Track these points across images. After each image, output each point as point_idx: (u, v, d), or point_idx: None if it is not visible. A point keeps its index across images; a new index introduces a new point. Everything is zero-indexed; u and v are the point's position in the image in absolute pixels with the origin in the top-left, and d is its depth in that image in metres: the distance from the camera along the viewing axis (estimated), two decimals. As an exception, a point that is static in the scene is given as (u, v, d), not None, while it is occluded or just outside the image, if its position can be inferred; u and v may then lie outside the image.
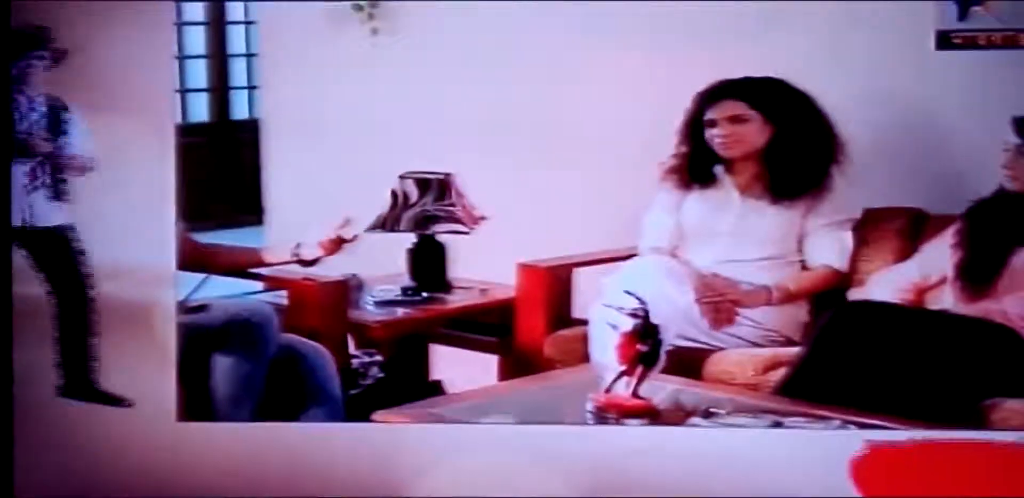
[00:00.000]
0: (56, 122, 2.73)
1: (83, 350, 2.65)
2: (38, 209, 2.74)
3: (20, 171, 2.73)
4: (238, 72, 4.63)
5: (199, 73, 4.49)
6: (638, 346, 2.56)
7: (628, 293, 2.61)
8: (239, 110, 4.65)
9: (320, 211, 3.73)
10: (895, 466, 2.40)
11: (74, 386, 2.64)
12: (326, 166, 3.68)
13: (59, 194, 2.74)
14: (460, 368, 3.21)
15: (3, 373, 2.61)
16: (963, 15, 2.60)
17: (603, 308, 2.74)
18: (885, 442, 2.41)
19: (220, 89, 4.62)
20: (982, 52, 2.64)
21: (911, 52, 2.83)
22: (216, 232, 3.45)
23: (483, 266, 3.32)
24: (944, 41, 2.62)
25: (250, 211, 3.93)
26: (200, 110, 4.55)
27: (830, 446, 2.44)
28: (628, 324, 2.57)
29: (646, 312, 2.57)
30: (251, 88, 4.63)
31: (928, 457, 2.42)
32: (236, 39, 4.56)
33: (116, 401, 2.62)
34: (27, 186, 2.73)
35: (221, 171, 4.35)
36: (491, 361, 3.23)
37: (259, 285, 3.18)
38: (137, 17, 2.64)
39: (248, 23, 4.43)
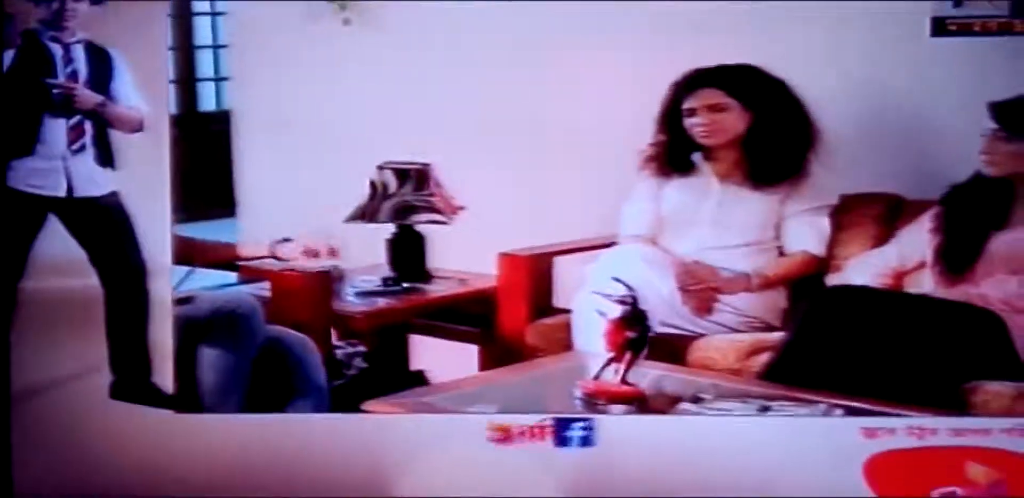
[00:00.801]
0: (100, 72, 2.41)
1: (137, 345, 2.41)
2: (82, 175, 2.43)
3: (59, 130, 2.43)
4: (205, 63, 4.59)
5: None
6: (627, 333, 2.58)
7: (616, 280, 2.63)
8: (206, 102, 4.62)
9: (293, 203, 3.72)
10: (907, 468, 2.42)
11: (127, 387, 2.45)
12: (299, 158, 3.66)
13: (106, 157, 2.44)
14: (440, 358, 3.21)
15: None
16: (958, 2, 2.63)
17: (590, 296, 2.76)
18: (897, 449, 2.42)
19: (187, 81, 4.58)
20: (963, 39, 2.67)
21: (894, 40, 2.86)
22: (186, 225, 3.43)
23: (461, 256, 3.32)
24: (939, 28, 2.65)
25: (220, 204, 3.91)
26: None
27: (823, 433, 2.45)
28: (616, 311, 2.59)
29: (634, 299, 2.59)
30: (218, 79, 4.60)
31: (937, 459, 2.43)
32: (202, 30, 4.53)
33: (174, 402, 2.44)
34: (69, 147, 2.42)
35: (190, 163, 4.31)
36: (472, 351, 3.23)
37: (233, 276, 3.17)
38: (132, 6, 2.58)
39: (215, 14, 4.40)
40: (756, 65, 2.97)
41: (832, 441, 2.42)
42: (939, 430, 2.42)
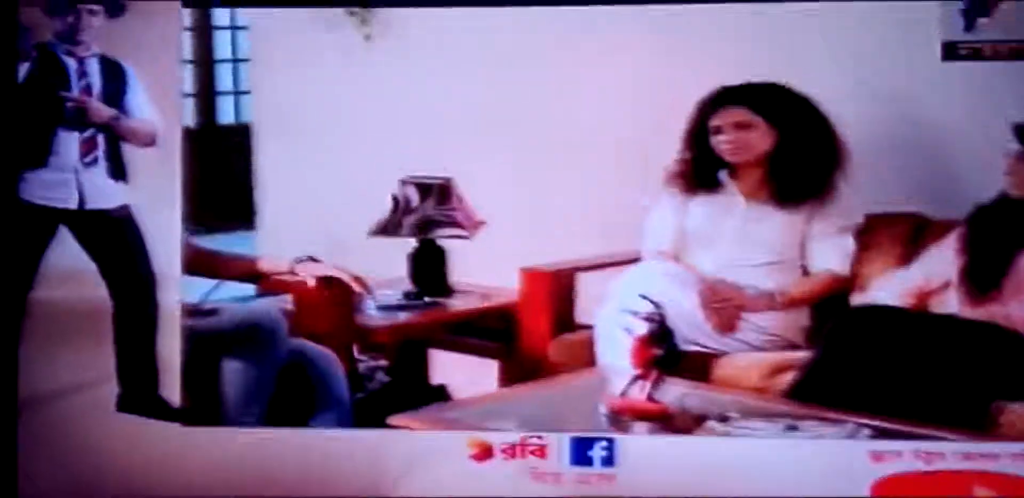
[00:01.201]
0: (114, 86, 2.44)
1: (145, 357, 2.42)
2: (94, 187, 2.45)
3: (72, 143, 2.45)
4: (224, 77, 4.60)
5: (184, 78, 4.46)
6: (653, 350, 2.57)
7: (643, 297, 2.62)
8: (224, 115, 4.63)
9: (312, 216, 3.73)
10: (915, 492, 2.41)
11: (134, 399, 2.45)
12: (318, 171, 3.66)
13: (118, 170, 2.46)
14: (460, 373, 3.20)
15: (7, 374, 2.53)
16: (969, 26, 2.63)
17: (614, 312, 2.75)
18: (905, 472, 2.41)
19: (206, 94, 4.59)
20: (986, 61, 2.68)
21: (916, 61, 2.86)
22: (205, 237, 3.42)
23: (482, 271, 3.32)
24: (950, 52, 2.65)
25: (237, 217, 3.91)
26: (185, 115, 4.51)
27: (832, 456, 2.44)
28: (643, 328, 2.58)
29: (661, 316, 2.58)
30: (237, 93, 4.61)
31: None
32: (222, 44, 4.54)
33: (181, 415, 2.44)
34: (81, 160, 2.45)
35: (208, 176, 4.32)
36: (492, 366, 3.23)
37: (251, 289, 3.17)
38: (146, 21, 2.60)
39: (234, 28, 4.41)
40: (782, 83, 2.97)
41: (840, 464, 2.42)
42: (947, 454, 2.41)
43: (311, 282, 2.91)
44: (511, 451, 2.43)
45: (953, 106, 2.98)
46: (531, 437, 2.43)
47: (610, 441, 2.42)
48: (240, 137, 3.99)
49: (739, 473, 2.41)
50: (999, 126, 2.80)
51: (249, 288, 3.16)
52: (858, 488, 2.40)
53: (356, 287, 2.89)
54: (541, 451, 2.43)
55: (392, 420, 2.54)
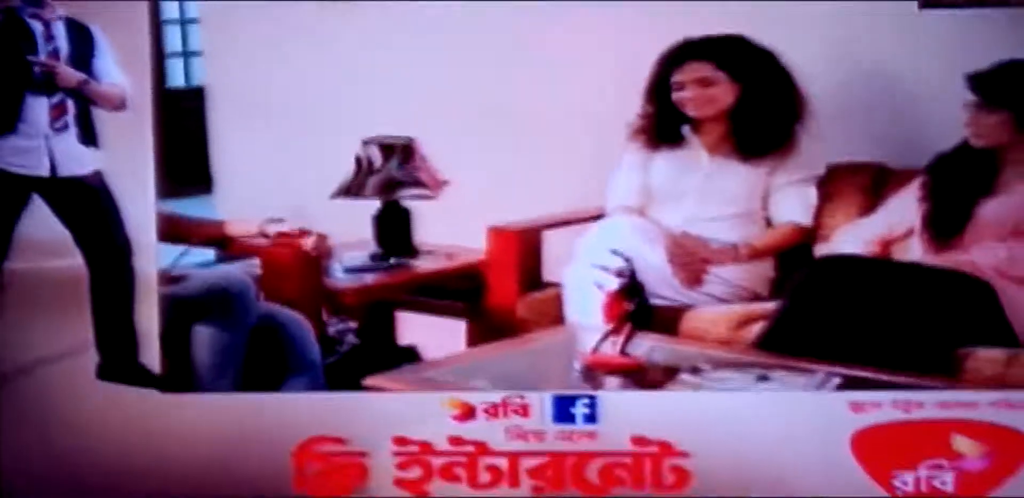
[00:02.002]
0: (82, 50, 2.39)
1: (123, 325, 2.39)
2: (65, 154, 2.41)
3: (41, 108, 2.40)
4: (172, 39, 4.53)
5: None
6: (624, 305, 2.58)
7: (614, 252, 2.63)
8: (176, 78, 4.56)
9: (270, 180, 3.70)
10: (894, 441, 2.43)
11: (114, 367, 2.43)
12: (276, 134, 3.63)
13: (89, 136, 2.41)
14: (428, 334, 3.21)
15: None
16: None
17: (582, 268, 2.76)
18: (884, 422, 2.43)
19: (156, 57, 4.52)
20: (949, 10, 2.69)
21: (881, 10, 2.87)
22: (162, 202, 3.39)
23: (446, 231, 3.31)
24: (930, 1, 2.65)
25: (194, 182, 3.87)
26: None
27: (811, 407, 2.46)
28: (614, 283, 2.59)
29: (632, 271, 2.59)
30: (187, 55, 4.55)
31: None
32: (169, 7, 4.47)
33: (161, 382, 2.43)
34: (51, 126, 2.40)
35: (163, 140, 4.26)
36: (458, 326, 3.23)
37: (211, 253, 3.15)
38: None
39: (181, -10, 4.34)
40: (744, 36, 2.97)
41: (820, 415, 2.43)
42: (925, 403, 2.42)
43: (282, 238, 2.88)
44: (493, 410, 2.44)
45: (915, 54, 3.00)
46: (513, 396, 2.44)
47: (592, 398, 2.44)
48: (191, 100, 3.94)
49: (720, 427, 2.42)
50: (960, 74, 2.81)
51: (199, 253, 3.13)
52: (838, 438, 2.41)
53: (309, 244, 2.87)
54: (523, 410, 2.44)
55: (368, 381, 2.54)
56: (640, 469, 2.42)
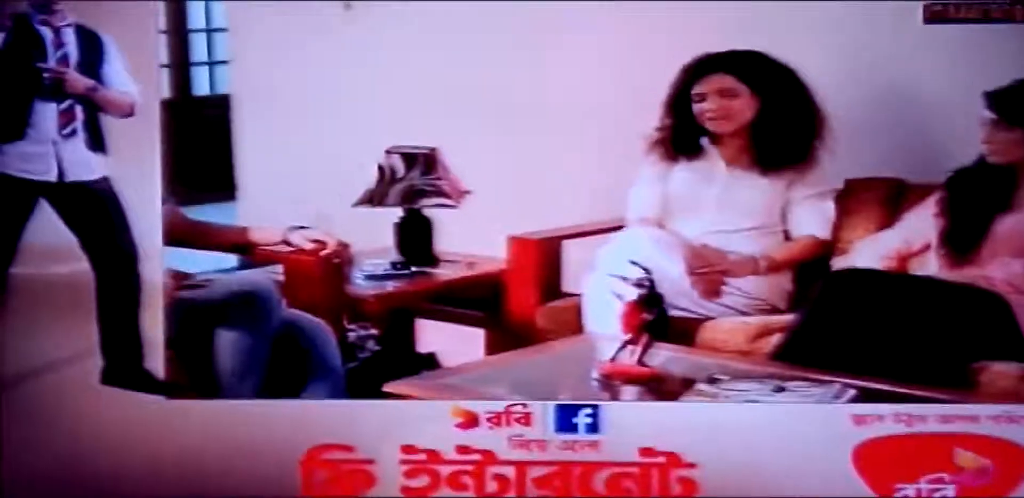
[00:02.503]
0: (91, 56, 2.40)
1: (129, 331, 2.41)
2: (73, 160, 2.42)
3: (49, 114, 2.41)
4: (199, 47, 4.59)
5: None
6: (643, 315, 2.61)
7: (633, 263, 2.66)
8: (200, 86, 4.62)
9: (294, 187, 3.73)
10: (896, 455, 2.43)
11: (119, 372, 2.44)
12: (300, 142, 3.67)
13: (97, 142, 2.41)
14: (446, 342, 3.24)
15: None
16: None
17: (605, 278, 2.79)
18: (886, 435, 2.43)
19: (181, 65, 4.58)
20: (965, 26, 2.70)
21: (896, 25, 2.90)
22: (184, 209, 3.43)
23: (468, 240, 3.35)
24: (933, 15, 2.67)
25: (217, 188, 3.91)
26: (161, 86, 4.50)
27: (813, 419, 2.46)
28: (633, 293, 2.62)
29: (651, 281, 2.62)
30: (212, 64, 4.60)
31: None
32: (196, 14, 4.52)
33: (166, 388, 2.43)
34: (59, 132, 2.41)
35: (185, 147, 4.33)
36: (477, 335, 3.26)
37: (233, 260, 3.18)
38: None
39: (207, -1, 4.40)
40: (764, 52, 3.01)
41: (822, 427, 2.43)
42: (928, 417, 2.43)
43: (308, 246, 2.92)
44: (496, 419, 2.46)
45: (932, 70, 3.02)
46: (516, 405, 2.46)
47: (595, 408, 2.45)
48: (216, 108, 3.99)
49: (722, 438, 2.43)
50: (977, 90, 2.83)
51: (231, 260, 3.17)
52: (840, 451, 2.42)
53: (330, 249, 2.89)
54: (526, 418, 2.45)
55: (388, 387, 2.57)
56: (647, 480, 2.43)
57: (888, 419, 2.43)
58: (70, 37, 2.43)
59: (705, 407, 2.50)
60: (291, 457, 2.47)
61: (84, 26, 2.42)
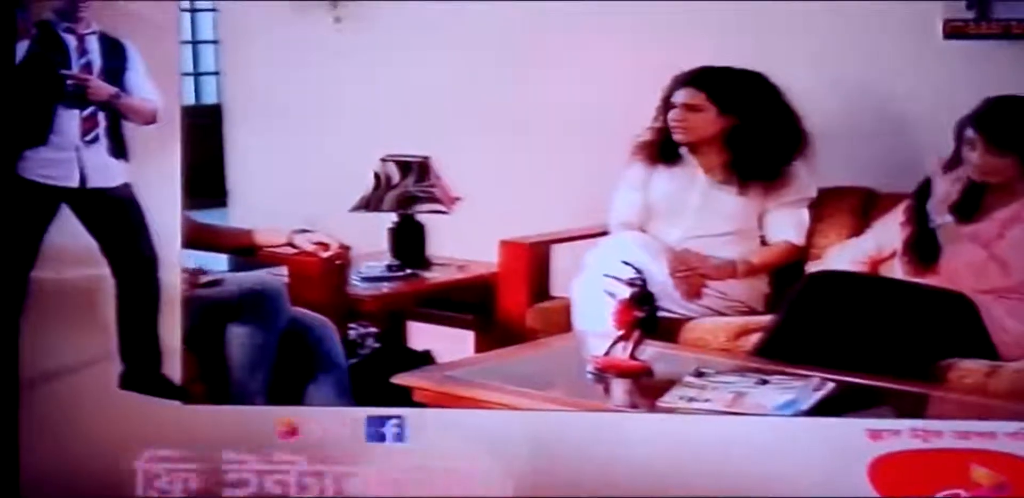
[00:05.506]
0: (114, 64, 2.42)
1: (148, 336, 2.41)
2: (95, 166, 2.44)
3: (72, 121, 2.43)
4: (185, 59, 4.66)
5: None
6: (635, 312, 2.76)
7: (626, 263, 2.81)
8: (188, 96, 4.69)
9: (284, 194, 3.81)
10: (912, 470, 2.42)
11: (137, 377, 2.45)
12: (290, 150, 3.74)
13: (119, 148, 2.44)
14: (437, 343, 3.33)
15: (9, 353, 2.51)
16: (972, 4, 2.64)
17: (596, 278, 2.93)
18: (902, 450, 2.43)
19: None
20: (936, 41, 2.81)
21: (878, 40, 3.01)
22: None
23: (458, 244, 3.46)
24: (953, 30, 2.68)
25: (207, 194, 3.99)
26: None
27: (828, 434, 2.47)
28: (626, 291, 2.77)
29: (643, 281, 2.77)
30: (197, 75, 4.68)
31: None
32: (184, 26, 4.59)
33: (181, 393, 2.45)
34: (82, 138, 2.43)
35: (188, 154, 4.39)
36: (466, 337, 3.38)
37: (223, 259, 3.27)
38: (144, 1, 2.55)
39: (194, 11, 4.48)
40: (755, 71, 3.09)
41: (837, 442, 2.43)
42: (944, 433, 2.42)
43: (311, 248, 3.02)
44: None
45: (906, 85, 3.11)
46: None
47: (400, 418, 2.45)
48: (205, 118, 4.08)
49: (740, 451, 2.44)
50: (947, 101, 2.93)
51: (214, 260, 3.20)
52: (856, 466, 2.42)
53: (332, 251, 2.98)
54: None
55: (395, 380, 2.70)
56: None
57: (904, 434, 2.43)
58: (94, 45, 2.47)
59: (723, 420, 2.50)
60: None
61: (108, 34, 2.47)
